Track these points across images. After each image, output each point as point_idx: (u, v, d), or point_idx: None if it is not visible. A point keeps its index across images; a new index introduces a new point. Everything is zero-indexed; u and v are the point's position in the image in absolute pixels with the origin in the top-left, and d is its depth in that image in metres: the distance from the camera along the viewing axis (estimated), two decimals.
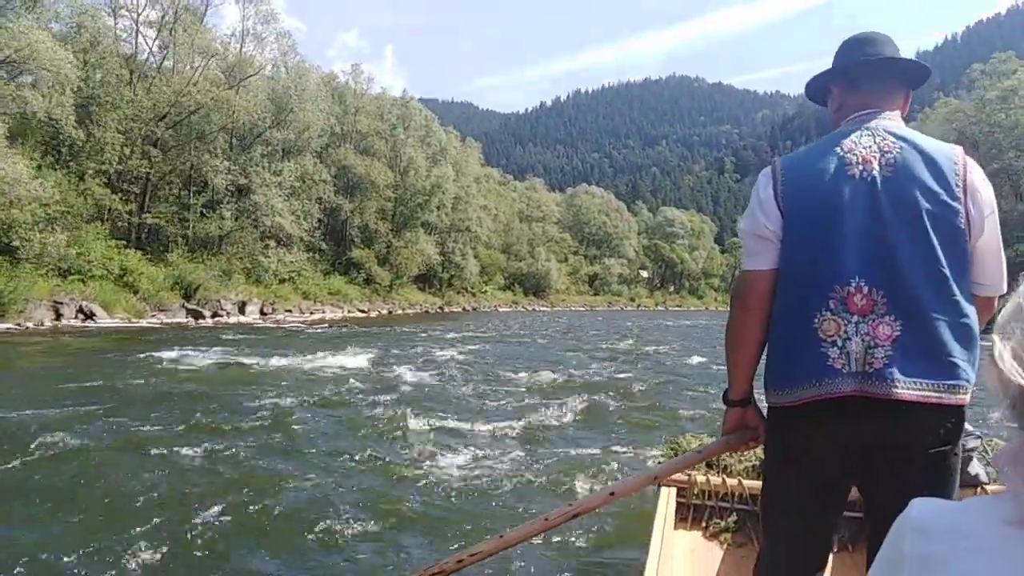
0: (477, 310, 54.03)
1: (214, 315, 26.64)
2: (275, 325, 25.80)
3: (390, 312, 42.31)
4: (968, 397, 1.61)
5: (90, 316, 20.59)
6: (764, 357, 1.85)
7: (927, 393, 1.57)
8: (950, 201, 1.63)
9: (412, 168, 48.39)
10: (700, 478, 3.56)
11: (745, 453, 3.64)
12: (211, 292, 27.49)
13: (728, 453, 3.55)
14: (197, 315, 25.52)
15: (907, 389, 1.57)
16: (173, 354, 13.25)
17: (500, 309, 57.81)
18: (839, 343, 1.63)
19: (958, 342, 1.60)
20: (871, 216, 1.65)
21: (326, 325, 26.45)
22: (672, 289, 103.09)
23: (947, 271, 1.62)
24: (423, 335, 22.61)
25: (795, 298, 1.72)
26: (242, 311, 29.08)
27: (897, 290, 1.61)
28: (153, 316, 23.79)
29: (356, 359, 13.74)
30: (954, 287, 1.62)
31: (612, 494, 2.07)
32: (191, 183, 33.95)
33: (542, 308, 65.29)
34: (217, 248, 32.79)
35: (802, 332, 1.68)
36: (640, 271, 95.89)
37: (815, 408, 1.66)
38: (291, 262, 36.61)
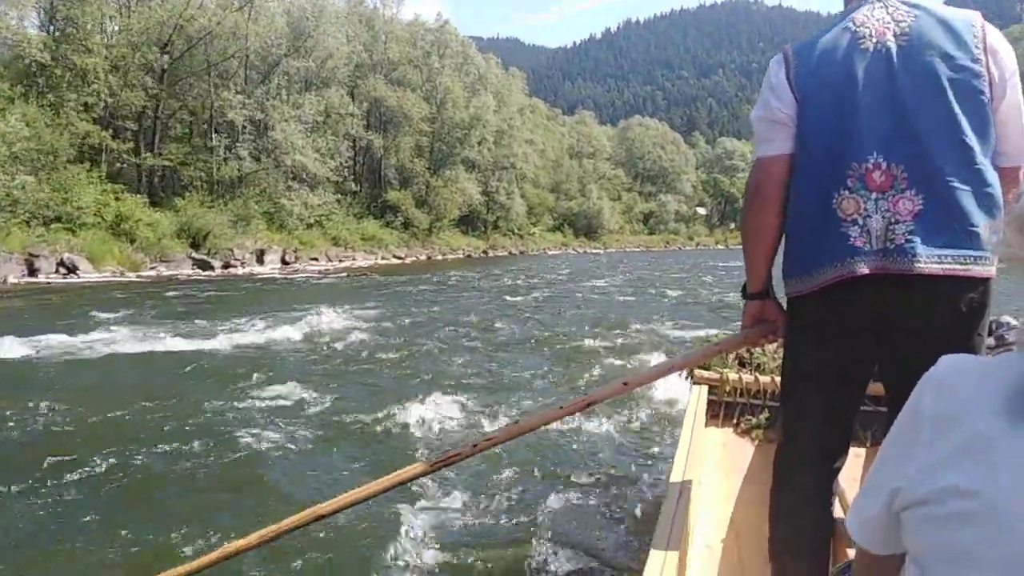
0: (524, 253, 50.81)
1: (225, 265, 23.94)
2: (287, 276, 22.87)
3: (429, 258, 39.43)
4: (993, 269, 1.56)
5: (72, 270, 17.96)
6: (781, 249, 1.81)
7: (951, 266, 1.53)
8: (971, 64, 1.57)
9: (449, 99, 44.62)
10: (732, 375, 3.61)
11: (779, 350, 3.49)
12: (223, 240, 24.70)
13: (760, 350, 3.77)
14: (204, 265, 22.81)
15: (929, 263, 1.53)
16: (108, 316, 10.41)
17: (549, 252, 54.48)
18: (860, 221, 1.59)
19: (983, 212, 1.54)
20: (888, 89, 1.59)
21: (344, 275, 23.42)
22: (733, 226, 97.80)
23: (969, 139, 1.55)
24: (450, 284, 19.51)
25: (812, 180, 1.67)
26: (260, 260, 26.35)
27: (917, 163, 1.56)
28: (152, 268, 21.12)
29: (333, 318, 10.87)
30: (977, 155, 1.56)
31: (626, 384, 2.06)
32: (211, 121, 30.91)
33: (594, 250, 61.74)
34: (235, 191, 30.00)
35: (820, 214, 1.64)
36: (697, 208, 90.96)
37: (835, 290, 1.63)
38: (319, 205, 33.77)
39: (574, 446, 4.51)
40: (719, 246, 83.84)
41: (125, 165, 26.60)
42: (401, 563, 3.12)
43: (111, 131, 24.67)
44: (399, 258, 36.52)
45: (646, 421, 4.90)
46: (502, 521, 3.52)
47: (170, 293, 15.52)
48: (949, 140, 1.55)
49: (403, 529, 3.37)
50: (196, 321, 10.53)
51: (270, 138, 30.83)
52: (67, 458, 4.28)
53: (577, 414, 4.35)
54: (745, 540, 2.51)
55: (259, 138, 31.16)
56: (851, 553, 1.85)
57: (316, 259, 29.94)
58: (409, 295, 16.17)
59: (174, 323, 10.33)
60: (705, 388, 3.57)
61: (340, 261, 31.31)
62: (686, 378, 3.99)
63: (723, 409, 3.60)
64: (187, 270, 22.01)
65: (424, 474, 1.99)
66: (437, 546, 3.27)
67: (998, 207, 1.56)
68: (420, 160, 43.59)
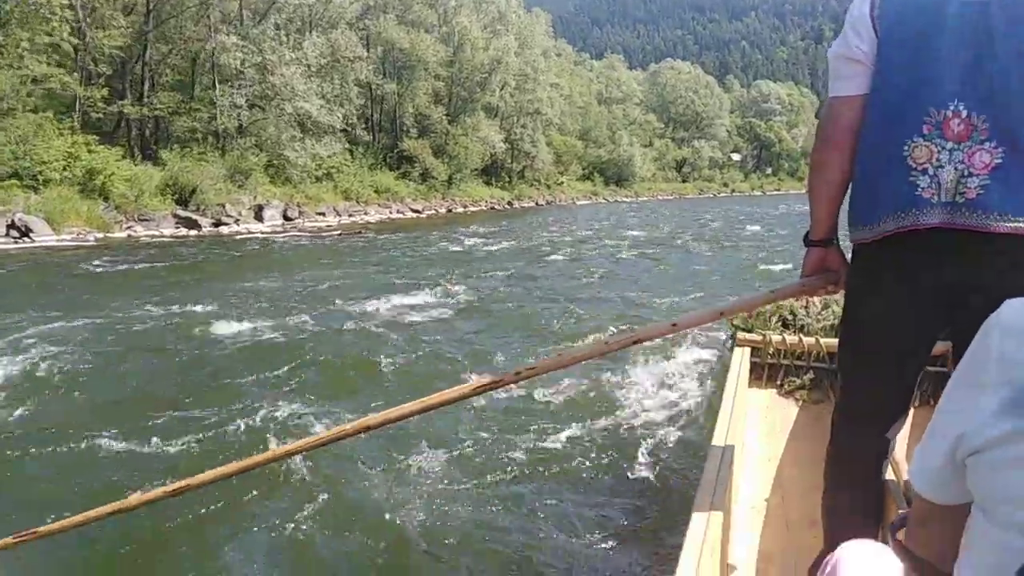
0: (552, 204, 47.85)
1: (217, 223, 21.46)
2: (279, 234, 20.43)
3: (449, 210, 36.70)
4: None
5: (25, 233, 15.63)
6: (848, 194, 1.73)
7: None
8: None
9: (467, 41, 41.32)
10: (775, 337, 3.58)
11: (823, 311, 3.83)
12: (212, 195, 22.13)
13: (803, 310, 3.86)
14: (190, 224, 20.37)
15: (1003, 221, 1.44)
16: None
17: (578, 202, 51.45)
18: (930, 171, 1.51)
19: None
20: (977, 35, 1.48)
21: (337, 233, 20.81)
22: (769, 171, 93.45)
23: None
24: (461, 238, 16.91)
25: (885, 124, 1.58)
26: (259, 217, 23.88)
27: (1001, 114, 1.45)
28: (127, 228, 18.72)
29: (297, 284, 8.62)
30: None
31: (674, 325, 2.03)
32: (214, 67, 28.12)
33: (625, 199, 58.56)
34: (233, 142, 27.41)
35: (890, 160, 1.56)
36: (732, 154, 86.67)
37: (901, 242, 1.56)
38: (328, 157, 31.11)
39: (614, 404, 4.50)
40: (755, 192, 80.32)
41: (105, 116, 24.07)
42: (442, 517, 3.11)
43: (78, 75, 22.02)
44: (416, 211, 33.88)
45: (688, 383, 4.91)
46: (542, 475, 3.49)
47: (127, 257, 13.19)
48: None
49: (448, 474, 3.48)
50: (124, 293, 8.25)
51: (269, 83, 28.03)
52: None
53: (620, 354, 4.49)
54: (790, 501, 2.45)
55: (258, 84, 28.37)
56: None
57: (323, 214, 27.41)
58: (408, 253, 13.65)
59: (97, 295, 8.10)
60: (748, 350, 3.50)
61: (350, 216, 28.77)
62: (729, 340, 4.10)
63: (766, 371, 3.54)
64: (168, 230, 19.56)
65: (468, 396, 2.00)
66: (469, 491, 3.32)
67: None
68: (438, 107, 40.50)
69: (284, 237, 19.22)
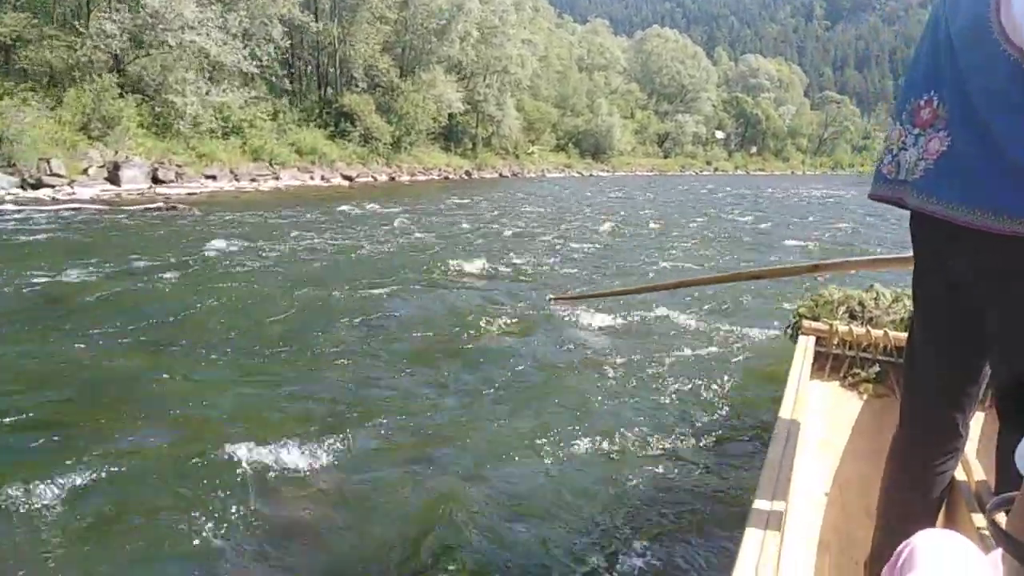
0: (518, 175, 42.24)
1: (35, 185, 15.68)
2: (101, 207, 14.60)
3: (392, 179, 31.02)
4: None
5: None
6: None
7: (964, 216, 1.42)
8: None
9: None
10: (842, 327, 3.51)
11: (894, 304, 3.74)
12: (29, 148, 16.22)
13: (875, 299, 3.82)
14: None
15: (927, 204, 1.50)
16: None
17: (549, 175, 45.79)
18: (894, 151, 1.62)
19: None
20: (948, 40, 1.52)
21: (141, 208, 14.80)
22: (754, 150, 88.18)
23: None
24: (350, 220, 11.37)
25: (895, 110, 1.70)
26: (113, 179, 18.08)
27: (958, 107, 1.47)
28: None
29: None
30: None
31: (764, 268, 2.44)
32: None
33: (601, 173, 53.12)
34: (97, 82, 21.39)
35: (886, 139, 1.68)
36: (716, 131, 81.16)
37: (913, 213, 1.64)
38: (241, 107, 25.30)
39: (672, 391, 4.34)
40: (738, 171, 75.33)
41: None
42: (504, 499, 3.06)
43: None
44: (348, 178, 28.14)
45: (748, 370, 4.76)
46: (597, 463, 3.41)
47: None
48: (994, 92, 1.38)
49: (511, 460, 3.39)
50: None
51: (148, 8, 21.94)
52: None
53: (682, 334, 5.36)
54: (849, 493, 2.45)
55: (134, 11, 22.29)
56: (975, 518, 1.80)
57: (213, 177, 21.61)
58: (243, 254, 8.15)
59: None
60: (812, 339, 3.47)
61: (252, 180, 23.03)
62: (790, 327, 3.98)
63: (830, 361, 3.50)
64: None
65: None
66: (534, 480, 3.23)
67: None
68: (385, 57, 34.45)
69: (68, 212, 13.32)
